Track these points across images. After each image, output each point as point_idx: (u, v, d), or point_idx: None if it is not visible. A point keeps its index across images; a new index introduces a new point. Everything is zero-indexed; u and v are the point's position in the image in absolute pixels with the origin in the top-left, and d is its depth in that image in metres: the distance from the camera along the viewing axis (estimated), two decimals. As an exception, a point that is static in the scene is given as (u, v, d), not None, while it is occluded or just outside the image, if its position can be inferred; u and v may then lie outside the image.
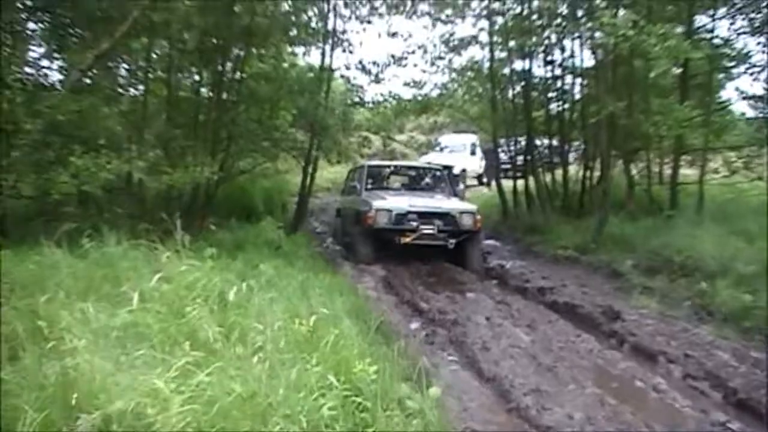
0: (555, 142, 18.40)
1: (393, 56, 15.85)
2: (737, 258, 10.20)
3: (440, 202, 13.62)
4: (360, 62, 15.11)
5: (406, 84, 16.80)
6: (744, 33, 13.71)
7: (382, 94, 15.92)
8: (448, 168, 15.63)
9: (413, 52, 16.60)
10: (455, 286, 11.54)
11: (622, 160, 14.83)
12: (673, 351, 7.75)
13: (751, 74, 13.71)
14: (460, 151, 25.95)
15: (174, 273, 6.91)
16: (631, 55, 14.37)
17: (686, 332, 8.37)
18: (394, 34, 15.64)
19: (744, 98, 13.55)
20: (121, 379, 4.40)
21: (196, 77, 14.29)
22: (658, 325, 8.66)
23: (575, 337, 8.41)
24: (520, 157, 19.03)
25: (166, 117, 13.08)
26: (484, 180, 26.95)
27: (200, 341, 5.39)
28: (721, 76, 14.38)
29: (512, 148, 19.20)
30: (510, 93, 18.60)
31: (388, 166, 15.98)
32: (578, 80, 18.20)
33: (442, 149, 25.79)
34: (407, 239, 12.69)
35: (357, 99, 15.47)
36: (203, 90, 14.30)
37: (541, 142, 18.20)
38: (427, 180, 15.78)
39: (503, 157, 25.19)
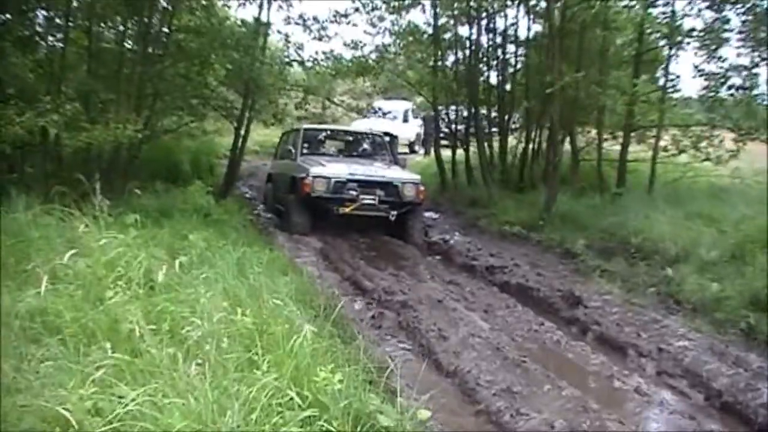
0: (494, 113, 17.61)
1: (336, 12, 14.72)
2: (699, 243, 9.55)
3: (382, 171, 12.64)
4: (300, 17, 13.89)
5: (346, 45, 15.71)
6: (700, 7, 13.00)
7: (323, 52, 14.80)
8: (390, 135, 14.65)
9: (357, 10, 15.52)
10: (398, 262, 10.64)
11: (567, 134, 14.04)
12: (645, 344, 7.02)
13: (705, 49, 13.05)
14: (392, 118, 25.04)
15: (92, 246, 5.84)
16: (584, 25, 13.67)
17: (656, 323, 7.58)
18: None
19: (700, 75, 12.88)
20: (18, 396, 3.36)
21: (120, 28, 12.93)
22: (624, 314, 7.88)
23: (538, 325, 7.60)
24: (460, 127, 18.25)
25: (86, 69, 11.73)
26: (416, 148, 26.17)
27: (122, 336, 4.38)
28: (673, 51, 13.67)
29: (451, 116, 18.30)
30: (451, 60, 17.71)
31: (326, 131, 14.83)
32: (520, 50, 17.54)
33: (375, 114, 24.81)
34: (346, 209, 11.71)
35: (295, 57, 14.29)
36: (128, 43, 12.92)
37: (480, 112, 17.30)
38: (366, 146, 14.76)
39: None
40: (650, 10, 12.73)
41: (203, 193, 10.96)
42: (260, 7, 13.39)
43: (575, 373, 6.35)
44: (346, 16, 15.03)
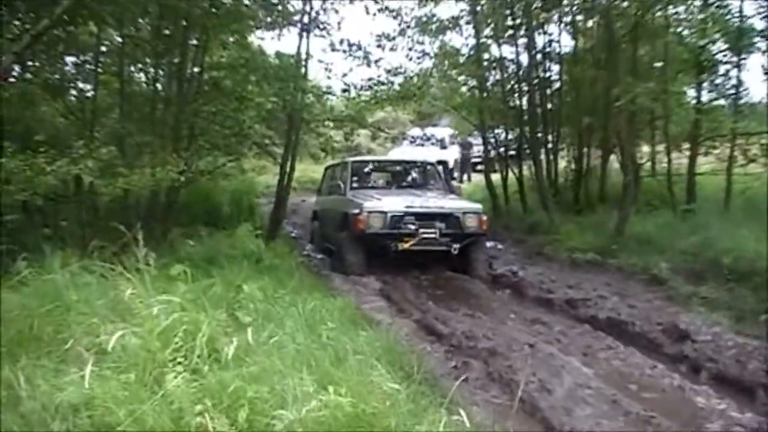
0: (540, 133, 16.54)
1: (382, 34, 13.74)
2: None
3: (440, 201, 11.55)
4: (342, 42, 12.81)
5: (388, 71, 14.73)
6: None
7: (368, 79, 13.79)
8: (442, 162, 13.67)
9: (402, 32, 14.57)
10: (468, 300, 9.55)
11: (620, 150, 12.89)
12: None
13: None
14: (429, 145, 24.06)
15: (141, 311, 4.83)
16: (635, 36, 12.63)
17: (781, 358, 6.48)
18: (381, 10, 13.30)
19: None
20: None
21: (152, 70, 12.09)
22: (741, 348, 6.71)
23: (650, 368, 6.48)
24: (499, 149, 17.25)
25: (119, 113, 10.87)
26: (455, 174, 25.17)
27: (191, 434, 3.35)
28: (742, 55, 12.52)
29: (499, 138, 17.26)
30: (494, 80, 16.69)
31: (375, 162, 13.86)
32: (562, 66, 16.51)
33: (412, 143, 23.79)
34: (405, 245, 10.64)
35: (337, 86, 13.30)
36: (160, 83, 12.04)
37: (533, 132, 16.24)
38: (417, 176, 13.69)
39: (476, 150, 23.50)
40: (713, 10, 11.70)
41: (252, 237, 9.95)
42: (300, 35, 12.34)
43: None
44: (391, 39, 14.04)
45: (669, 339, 7.30)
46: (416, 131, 25.31)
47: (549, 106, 16.46)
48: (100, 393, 3.68)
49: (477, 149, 24.36)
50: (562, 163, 16.59)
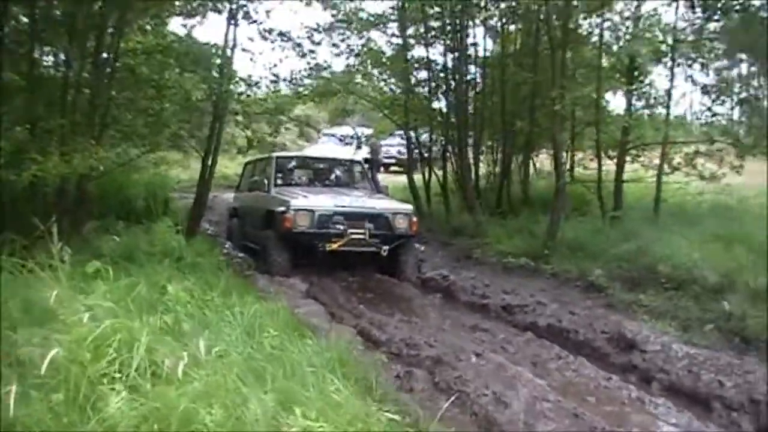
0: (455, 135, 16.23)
1: (314, 27, 13.08)
2: (739, 269, 8.27)
3: (369, 201, 11.01)
4: (276, 32, 12.07)
5: (311, 67, 14.09)
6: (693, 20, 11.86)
7: (296, 72, 13.11)
8: (370, 161, 13.12)
9: (332, 27, 13.95)
10: (401, 304, 9.10)
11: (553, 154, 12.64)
12: (733, 395, 5.69)
13: (701, 63, 11.92)
14: (345, 145, 23.59)
15: (66, 321, 4.17)
16: (565, 42, 12.41)
17: (733, 367, 6.19)
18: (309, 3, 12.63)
19: (702, 90, 11.73)
20: None
21: (63, 54, 11.19)
22: (692, 359, 6.43)
23: (605, 380, 6.15)
24: (422, 151, 16.92)
25: (27, 96, 9.95)
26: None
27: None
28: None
29: (422, 140, 16.88)
30: (421, 80, 16.32)
31: (300, 158, 13.23)
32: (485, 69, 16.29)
33: (326, 141, 23.25)
34: (334, 245, 10.04)
35: (270, 77, 12.49)
36: (73, 68, 11.13)
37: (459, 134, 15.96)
38: (343, 174, 13.11)
39: (390, 150, 23.10)
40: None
41: (171, 233, 9.19)
42: (228, 22, 11.56)
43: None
44: (322, 30, 13.40)
45: (617, 348, 7.01)
46: (332, 130, 24.80)
47: (471, 108, 16.18)
48: (24, 418, 3.03)
49: (386, 150, 24.07)
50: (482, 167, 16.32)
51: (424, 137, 17.06)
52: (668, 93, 11.91)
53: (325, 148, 21.53)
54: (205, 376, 3.82)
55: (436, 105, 16.43)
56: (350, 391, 4.32)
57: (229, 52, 11.21)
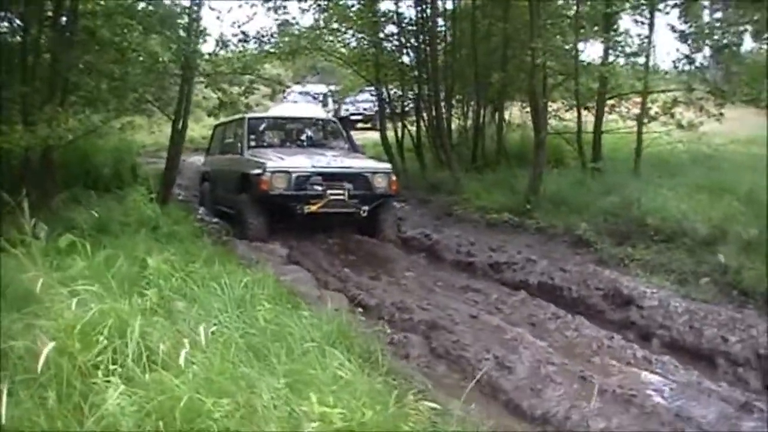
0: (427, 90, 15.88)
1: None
2: (729, 220, 8.10)
3: (347, 161, 10.61)
4: None
5: (279, 24, 13.58)
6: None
7: (264, 30, 12.59)
8: (344, 120, 12.72)
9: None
10: (385, 266, 8.81)
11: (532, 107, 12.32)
12: (738, 351, 5.53)
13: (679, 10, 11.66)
14: (311, 102, 23.09)
15: (48, 305, 3.84)
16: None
17: (735, 322, 6.00)
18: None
19: (677, 36, 11.48)
20: None
21: (19, 18, 10.64)
22: (693, 314, 6.24)
23: (607, 339, 5.94)
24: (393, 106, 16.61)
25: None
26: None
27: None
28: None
29: (393, 95, 16.50)
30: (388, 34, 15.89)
31: (272, 119, 12.76)
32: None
33: (291, 100, 22.71)
34: (313, 207, 9.65)
35: (240, 36, 11.92)
36: (30, 33, 10.56)
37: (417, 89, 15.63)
38: (318, 134, 12.68)
39: (351, 108, 22.71)
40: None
41: (146, 201, 8.79)
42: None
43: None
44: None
45: (613, 305, 6.82)
46: (297, 88, 24.26)
47: (442, 62, 15.78)
48: (14, 423, 2.71)
49: (355, 107, 23.69)
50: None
51: (394, 93, 16.64)
52: (648, 40, 11.59)
53: (291, 107, 21.00)
54: (204, 360, 3.52)
55: (405, 60, 16.01)
56: (355, 366, 4.05)
57: (196, 9, 10.62)
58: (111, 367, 3.24)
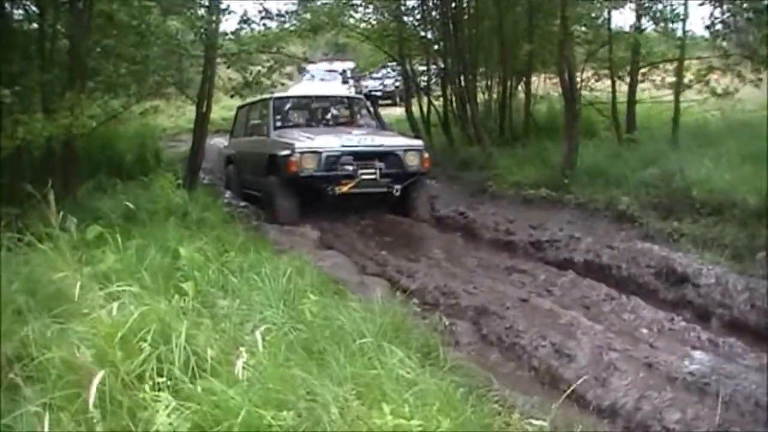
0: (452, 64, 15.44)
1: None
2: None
3: (378, 139, 10.22)
4: None
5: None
6: None
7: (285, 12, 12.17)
8: (371, 97, 12.34)
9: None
10: (422, 246, 8.49)
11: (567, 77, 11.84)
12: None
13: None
14: (330, 80, 22.72)
15: (84, 309, 3.52)
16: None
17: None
18: None
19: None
20: None
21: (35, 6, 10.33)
22: (753, 292, 5.86)
23: (668, 321, 5.55)
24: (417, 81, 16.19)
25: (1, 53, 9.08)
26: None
27: None
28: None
29: (417, 70, 16.11)
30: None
31: (299, 98, 12.40)
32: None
33: (311, 78, 22.35)
34: (344, 188, 9.31)
35: (263, 14, 11.46)
36: (47, 19, 10.23)
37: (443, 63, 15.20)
38: (345, 112, 12.30)
39: (374, 84, 22.34)
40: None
41: (173, 187, 8.47)
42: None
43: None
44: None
45: (667, 284, 6.41)
46: (316, 66, 23.88)
47: (464, 34, 15.32)
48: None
49: (376, 83, 23.32)
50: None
51: (418, 68, 16.22)
52: (684, 4, 11.07)
53: (310, 85, 20.63)
54: (256, 365, 3.19)
55: (428, 34, 15.59)
56: (416, 363, 3.73)
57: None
58: (157, 379, 2.91)
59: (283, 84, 12.77)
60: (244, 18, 10.97)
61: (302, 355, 3.50)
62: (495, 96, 15.47)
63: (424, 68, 16.40)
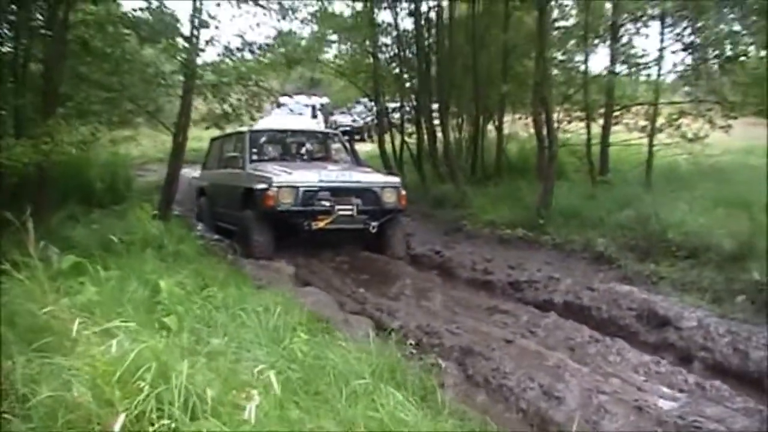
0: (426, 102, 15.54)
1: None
2: (754, 234, 7.74)
3: (355, 175, 10.13)
4: None
5: (281, 33, 13.15)
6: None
7: (266, 40, 12.06)
8: (348, 132, 12.28)
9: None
10: (400, 285, 8.32)
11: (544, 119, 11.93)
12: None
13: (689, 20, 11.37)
14: (301, 114, 22.66)
15: (78, 346, 3.39)
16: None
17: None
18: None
19: (683, 49, 11.20)
20: None
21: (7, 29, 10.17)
22: (734, 336, 5.82)
23: (654, 364, 5.53)
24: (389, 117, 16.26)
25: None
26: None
27: None
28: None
29: (389, 107, 16.16)
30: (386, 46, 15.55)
31: (273, 131, 12.27)
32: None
33: (281, 112, 22.33)
34: (321, 223, 9.22)
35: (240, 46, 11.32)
36: (21, 44, 10.06)
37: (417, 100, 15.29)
38: (318, 147, 12.25)
39: (344, 119, 22.41)
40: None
41: (148, 218, 8.29)
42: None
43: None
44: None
45: (649, 326, 6.42)
46: (285, 100, 23.84)
47: (437, 72, 15.46)
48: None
49: (343, 119, 23.38)
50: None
51: (390, 105, 16.29)
52: (660, 51, 11.28)
53: (280, 119, 20.56)
54: (260, 407, 3.07)
55: (404, 71, 15.69)
56: (416, 407, 3.64)
57: (197, 16, 10.05)
58: (158, 420, 2.78)
59: (253, 119, 12.68)
60: (228, 48, 10.82)
61: (302, 397, 3.38)
62: (465, 135, 15.56)
63: (396, 105, 16.41)
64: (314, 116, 23.52)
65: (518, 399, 4.94)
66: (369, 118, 21.92)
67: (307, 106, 23.65)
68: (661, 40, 11.27)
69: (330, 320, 6.03)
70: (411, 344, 5.88)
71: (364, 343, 4.81)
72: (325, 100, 23.85)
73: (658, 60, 11.30)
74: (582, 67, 12.26)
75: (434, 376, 5.25)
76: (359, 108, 20.87)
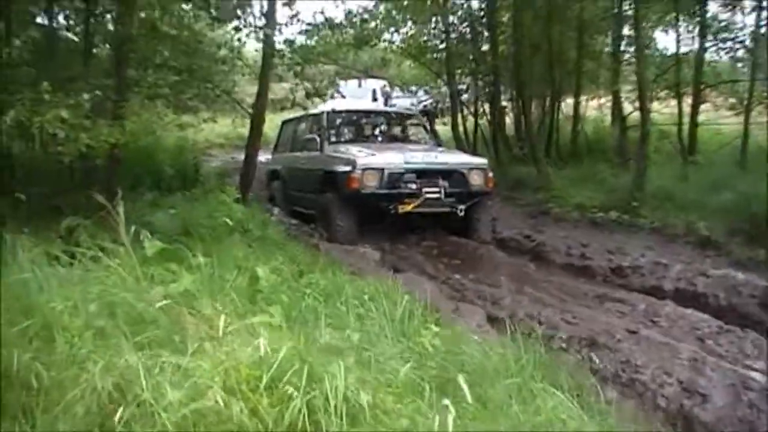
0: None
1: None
2: None
3: (441, 156, 9.67)
4: None
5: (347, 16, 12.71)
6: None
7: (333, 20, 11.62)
8: (426, 113, 11.82)
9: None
10: (496, 271, 7.78)
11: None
12: None
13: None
14: (361, 98, 22.20)
15: (206, 343, 2.98)
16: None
17: None
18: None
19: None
20: None
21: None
22: None
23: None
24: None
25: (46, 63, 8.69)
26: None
27: None
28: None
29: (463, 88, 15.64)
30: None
31: (352, 112, 11.87)
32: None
33: (343, 96, 21.90)
34: (407, 207, 8.77)
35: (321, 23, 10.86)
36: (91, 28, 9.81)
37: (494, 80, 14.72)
38: (400, 128, 11.80)
39: (404, 103, 21.85)
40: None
41: (231, 202, 7.93)
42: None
43: None
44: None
45: (781, 316, 5.86)
46: (347, 84, 23.42)
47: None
48: None
49: (403, 102, 22.80)
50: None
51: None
52: (758, 24, 10.58)
53: (341, 102, 20.19)
54: (406, 414, 2.65)
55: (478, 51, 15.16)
56: (576, 409, 3.18)
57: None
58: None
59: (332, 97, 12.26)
60: (314, 24, 10.36)
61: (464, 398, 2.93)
62: (536, 115, 15.00)
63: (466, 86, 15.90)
64: (374, 99, 23.00)
65: (655, 396, 4.46)
66: (430, 101, 21.40)
67: (376, 88, 23.11)
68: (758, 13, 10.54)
69: (440, 310, 5.56)
70: (561, 338, 5.46)
71: (485, 333, 4.34)
72: (382, 83, 23.26)
73: (756, 34, 10.56)
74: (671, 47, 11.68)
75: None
76: (423, 89, 20.29)
